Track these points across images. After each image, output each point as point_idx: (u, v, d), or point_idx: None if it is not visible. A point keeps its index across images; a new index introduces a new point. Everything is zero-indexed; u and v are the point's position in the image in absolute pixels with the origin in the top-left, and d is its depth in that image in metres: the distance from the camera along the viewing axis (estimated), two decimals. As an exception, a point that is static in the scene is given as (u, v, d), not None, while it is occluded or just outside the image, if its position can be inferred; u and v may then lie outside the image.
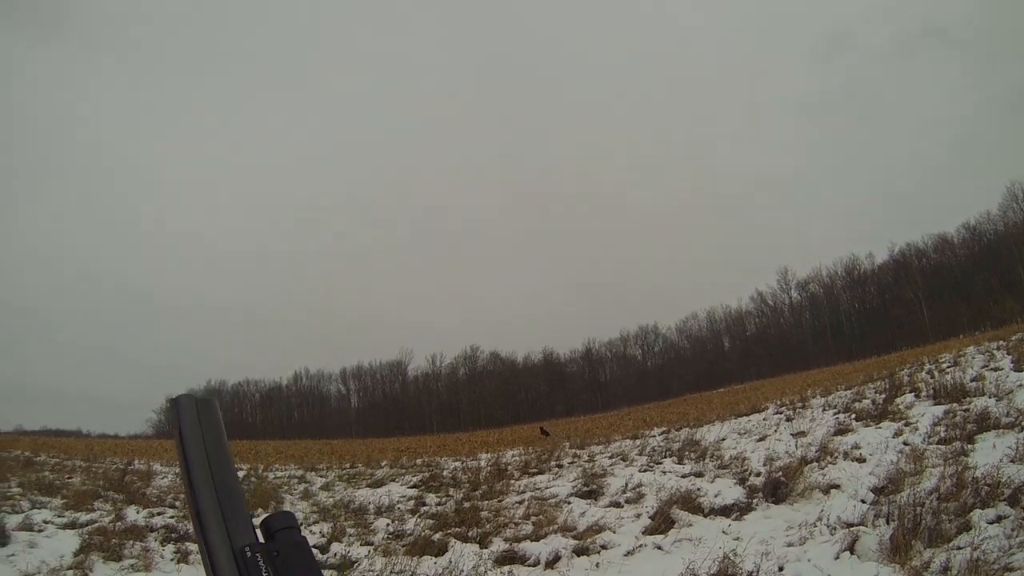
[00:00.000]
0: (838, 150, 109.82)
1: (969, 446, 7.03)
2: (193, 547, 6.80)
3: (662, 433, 14.43)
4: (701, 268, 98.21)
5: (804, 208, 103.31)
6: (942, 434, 7.70)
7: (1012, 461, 6.13)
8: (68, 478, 11.90)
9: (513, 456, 14.75)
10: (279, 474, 14.49)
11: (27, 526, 7.25)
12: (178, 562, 6.55)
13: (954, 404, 9.17)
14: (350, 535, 7.89)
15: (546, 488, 9.99)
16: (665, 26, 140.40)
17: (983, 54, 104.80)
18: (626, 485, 8.97)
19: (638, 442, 13.62)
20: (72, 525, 7.58)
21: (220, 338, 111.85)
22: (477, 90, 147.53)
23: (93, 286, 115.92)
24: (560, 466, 12.35)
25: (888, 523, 5.48)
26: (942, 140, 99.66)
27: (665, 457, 10.82)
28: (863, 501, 6.23)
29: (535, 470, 12.24)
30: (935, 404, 9.62)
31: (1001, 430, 7.44)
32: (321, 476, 14.00)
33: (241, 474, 14.03)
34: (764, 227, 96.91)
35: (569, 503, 8.60)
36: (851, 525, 5.67)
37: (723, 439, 11.29)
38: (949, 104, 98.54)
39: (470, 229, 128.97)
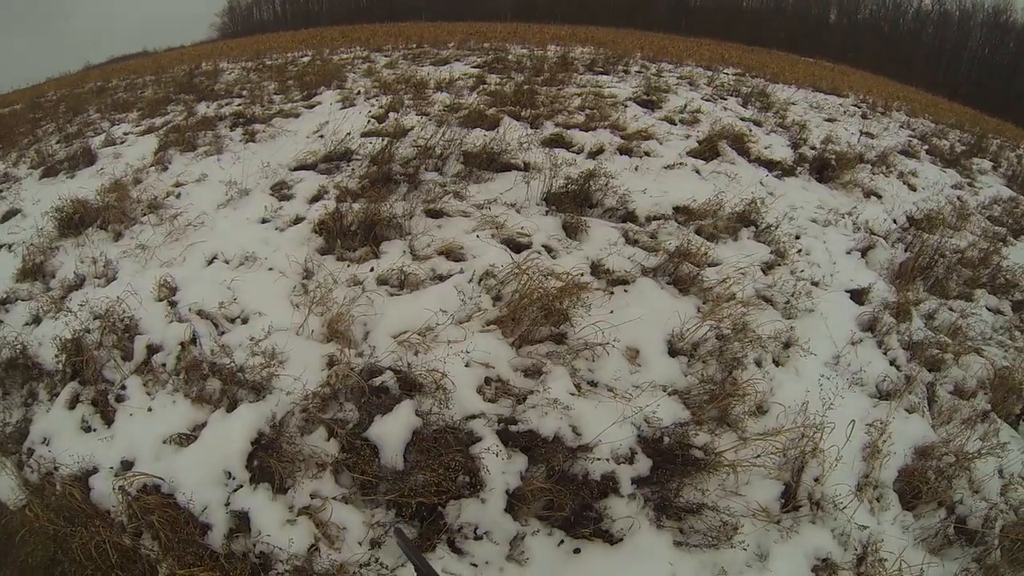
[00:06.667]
0: None
1: (1013, 240, 6.84)
2: (260, 127, 7.25)
3: (736, 74, 13.39)
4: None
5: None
6: (997, 213, 7.45)
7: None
8: (141, 93, 11.21)
9: (582, 52, 13.68)
10: (343, 56, 13.01)
11: (110, 142, 7.51)
12: (246, 142, 6.77)
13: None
14: (407, 106, 7.69)
15: (606, 87, 9.48)
16: None
17: None
18: (685, 106, 8.58)
19: (710, 73, 12.67)
20: (150, 130, 7.71)
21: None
22: None
23: None
24: (627, 72, 11.58)
25: (906, 251, 5.60)
26: None
27: (731, 95, 10.24)
28: (895, 221, 6.24)
29: (600, 69, 11.46)
30: (1008, 184, 9.15)
31: None
32: (386, 56, 12.73)
33: (305, 59, 12.91)
34: None
35: (626, 107, 8.26)
36: (874, 234, 5.77)
37: (793, 103, 10.61)
38: None
39: None
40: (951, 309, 4.94)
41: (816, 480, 3.11)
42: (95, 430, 3.23)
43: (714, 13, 55.32)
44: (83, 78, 17.75)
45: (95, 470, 2.99)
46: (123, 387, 3.38)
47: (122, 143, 7.48)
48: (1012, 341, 4.85)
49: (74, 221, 5.12)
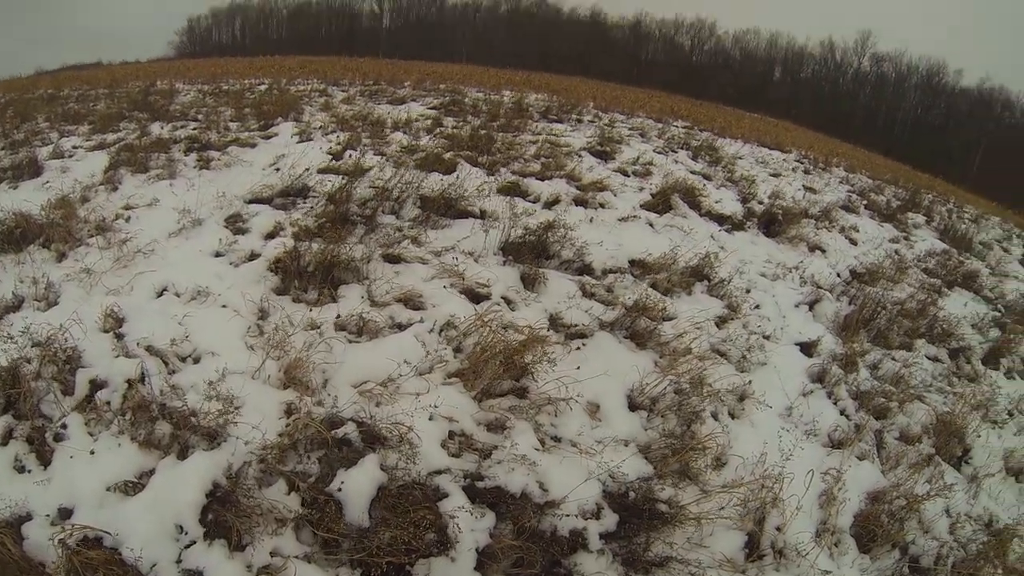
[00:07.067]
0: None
1: (947, 291, 7.27)
2: (215, 154, 7.07)
3: (685, 127, 13.96)
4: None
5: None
6: (931, 265, 7.91)
7: (973, 326, 6.38)
8: (93, 106, 11.05)
9: (537, 99, 14.08)
10: (300, 88, 13.14)
11: (58, 154, 7.22)
12: (200, 168, 6.68)
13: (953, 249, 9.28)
14: (365, 145, 7.74)
15: (561, 136, 9.78)
16: None
17: None
18: (638, 158, 8.87)
19: (660, 126, 13.17)
20: (100, 146, 7.54)
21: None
22: None
23: None
24: (580, 120, 11.98)
25: (851, 304, 5.86)
26: None
27: (681, 148, 10.67)
28: (839, 275, 6.54)
29: (555, 117, 11.85)
30: (940, 237, 9.75)
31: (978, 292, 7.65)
32: (343, 91, 12.91)
33: (263, 87, 12.92)
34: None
35: (581, 156, 8.51)
36: (820, 287, 6.03)
37: (740, 157, 11.09)
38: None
39: None
40: (894, 359, 5.19)
41: (778, 529, 3.17)
42: (30, 471, 2.97)
43: (665, 68, 57.72)
44: (34, 83, 17.00)
45: (29, 517, 2.74)
46: (63, 425, 3.14)
47: (71, 157, 7.15)
48: (951, 387, 5.15)
49: (15, 236, 4.77)
